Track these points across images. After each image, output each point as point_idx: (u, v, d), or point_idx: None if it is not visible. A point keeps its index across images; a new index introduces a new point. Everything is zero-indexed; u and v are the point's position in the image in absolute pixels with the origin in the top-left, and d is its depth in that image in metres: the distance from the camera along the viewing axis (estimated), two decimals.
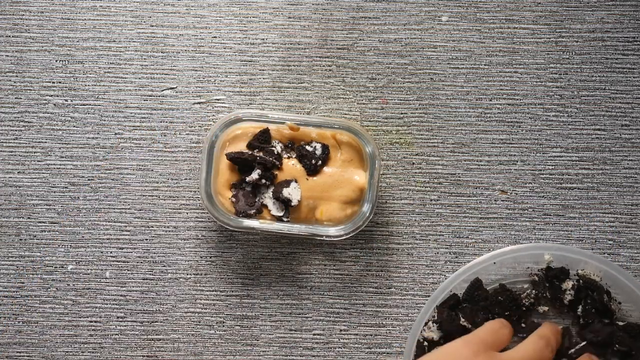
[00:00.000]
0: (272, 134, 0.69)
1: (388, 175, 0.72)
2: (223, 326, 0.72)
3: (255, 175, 0.68)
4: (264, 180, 0.68)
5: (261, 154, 0.69)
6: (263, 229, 0.69)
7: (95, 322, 0.72)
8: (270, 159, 0.68)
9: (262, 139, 0.69)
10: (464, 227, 0.72)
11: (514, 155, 0.72)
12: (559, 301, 0.70)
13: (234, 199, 0.69)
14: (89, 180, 0.72)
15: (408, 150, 0.72)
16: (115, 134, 0.72)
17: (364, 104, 0.72)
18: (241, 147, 0.69)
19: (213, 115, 0.72)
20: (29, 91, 0.72)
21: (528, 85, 0.72)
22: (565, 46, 0.72)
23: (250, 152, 0.69)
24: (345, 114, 0.72)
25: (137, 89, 0.72)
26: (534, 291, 0.70)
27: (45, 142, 0.72)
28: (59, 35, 0.72)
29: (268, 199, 0.69)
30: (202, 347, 0.72)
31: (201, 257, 0.72)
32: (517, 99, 0.72)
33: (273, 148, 0.69)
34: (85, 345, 0.72)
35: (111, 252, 0.72)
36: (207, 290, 0.72)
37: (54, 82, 0.72)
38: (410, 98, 0.72)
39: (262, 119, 0.69)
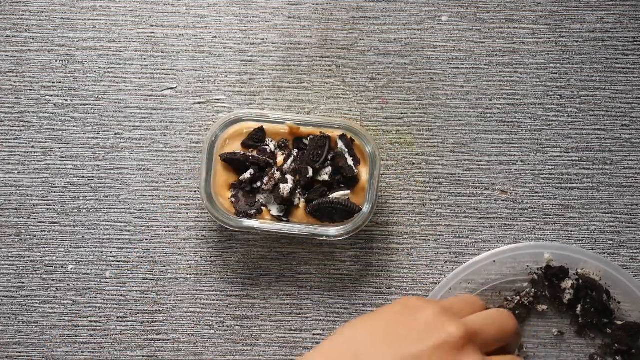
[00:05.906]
0: (272, 134, 0.69)
1: (388, 175, 0.72)
2: (223, 326, 0.72)
3: (247, 174, 0.68)
4: (259, 183, 0.68)
5: (255, 152, 0.69)
6: (263, 229, 0.69)
7: (95, 322, 0.72)
8: (264, 157, 0.68)
9: (256, 137, 0.69)
10: (464, 227, 0.72)
11: (514, 155, 0.72)
12: (559, 300, 0.70)
13: (233, 199, 0.69)
14: (89, 180, 0.72)
15: (408, 150, 0.72)
16: (115, 134, 0.72)
17: (364, 104, 0.72)
18: (237, 146, 0.69)
19: (213, 115, 0.72)
20: (29, 91, 0.72)
21: (528, 85, 0.72)
22: (565, 46, 0.72)
23: (242, 152, 0.69)
24: (345, 114, 0.72)
25: (137, 89, 0.72)
26: (533, 290, 0.70)
27: (45, 142, 0.72)
28: (59, 35, 0.72)
29: (268, 198, 0.69)
30: (202, 347, 0.72)
31: (201, 257, 0.72)
32: (517, 99, 0.72)
33: (266, 147, 0.69)
34: (85, 345, 0.72)
35: (111, 252, 0.72)
36: (207, 290, 0.72)
37: (54, 82, 0.72)
38: (410, 98, 0.72)
39: (262, 119, 0.69)
